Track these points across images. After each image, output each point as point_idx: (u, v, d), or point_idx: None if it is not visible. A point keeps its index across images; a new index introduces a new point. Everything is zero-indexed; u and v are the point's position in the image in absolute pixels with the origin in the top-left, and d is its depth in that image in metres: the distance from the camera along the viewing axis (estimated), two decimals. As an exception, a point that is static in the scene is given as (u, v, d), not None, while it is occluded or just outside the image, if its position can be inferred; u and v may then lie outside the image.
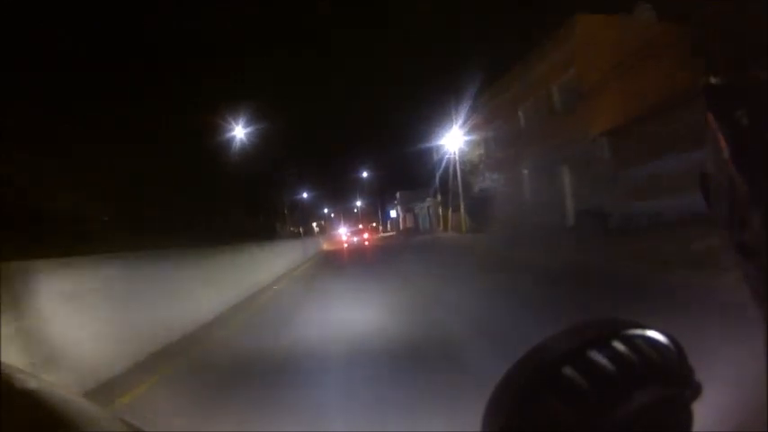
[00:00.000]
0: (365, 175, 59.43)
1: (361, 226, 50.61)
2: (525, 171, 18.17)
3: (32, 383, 0.37)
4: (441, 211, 31.05)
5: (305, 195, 44.29)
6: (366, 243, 33.96)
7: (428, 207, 39.95)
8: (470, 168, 24.31)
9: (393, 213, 57.19)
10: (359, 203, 66.88)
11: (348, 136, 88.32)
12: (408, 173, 58.16)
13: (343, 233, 43.48)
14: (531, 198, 17.78)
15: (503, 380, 0.37)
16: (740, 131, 0.40)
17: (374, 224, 62.88)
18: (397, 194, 52.60)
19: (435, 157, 29.29)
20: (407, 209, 49.15)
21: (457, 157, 24.29)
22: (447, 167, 26.39)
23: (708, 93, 0.43)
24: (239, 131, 20.05)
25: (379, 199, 60.47)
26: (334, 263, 18.26)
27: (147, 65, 14.22)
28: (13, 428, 0.33)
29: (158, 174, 12.00)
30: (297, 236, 32.01)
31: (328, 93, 72.19)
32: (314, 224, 60.59)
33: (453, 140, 24.43)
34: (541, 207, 16.20)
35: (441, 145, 26.28)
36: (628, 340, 0.36)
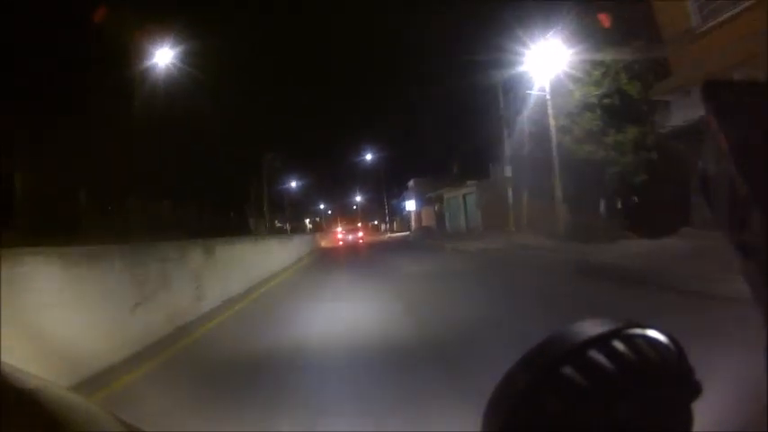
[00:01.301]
0: (369, 157, 46.23)
1: (360, 224, 47.42)
2: None
3: (32, 383, 0.37)
4: (509, 197, 18.39)
5: (293, 185, 37.56)
6: (361, 241, 31.56)
7: (464, 195, 26.65)
8: (562, 123, 12.72)
9: (411, 206, 41.50)
10: (358, 198, 58.84)
11: (348, 110, 73.87)
12: (426, 155, 42.19)
13: (339, 231, 39.33)
14: None
15: (503, 380, 0.36)
16: (740, 131, 0.39)
17: (376, 222, 56.76)
18: (410, 183, 39.89)
19: (501, 103, 18.47)
20: (426, 201, 35.48)
21: (548, 96, 13.01)
22: (521, 124, 16.00)
23: (708, 92, 0.42)
24: (164, 54, 12.33)
25: (385, 192, 48.63)
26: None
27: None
28: (13, 428, 0.32)
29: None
30: (284, 233, 28.47)
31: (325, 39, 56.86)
32: (306, 221, 54.18)
33: (545, 62, 12.97)
34: None
35: (514, 80, 15.29)
36: (628, 340, 0.35)
